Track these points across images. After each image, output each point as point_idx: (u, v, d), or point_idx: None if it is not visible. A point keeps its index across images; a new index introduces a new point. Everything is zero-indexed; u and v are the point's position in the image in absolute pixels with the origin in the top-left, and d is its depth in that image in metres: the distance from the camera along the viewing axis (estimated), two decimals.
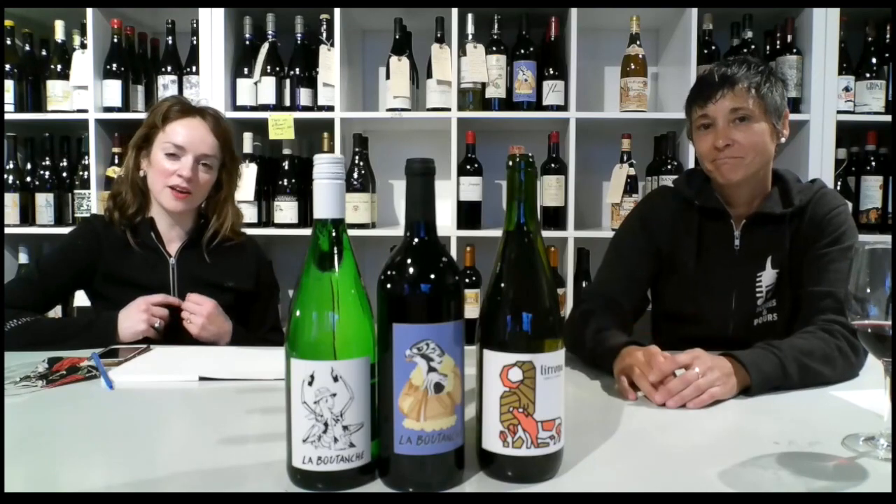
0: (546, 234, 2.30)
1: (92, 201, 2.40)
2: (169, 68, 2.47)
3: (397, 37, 2.41)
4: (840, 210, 1.39)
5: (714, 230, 1.44)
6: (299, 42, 2.44)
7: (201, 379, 1.17)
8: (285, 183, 2.41)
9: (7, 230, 2.46)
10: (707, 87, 1.37)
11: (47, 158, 2.57)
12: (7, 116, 2.43)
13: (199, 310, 1.48)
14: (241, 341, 1.53)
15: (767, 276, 1.41)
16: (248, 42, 2.45)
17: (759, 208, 1.41)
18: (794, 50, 2.34)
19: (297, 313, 0.74)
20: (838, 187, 2.38)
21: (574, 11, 2.29)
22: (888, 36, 2.37)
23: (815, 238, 1.37)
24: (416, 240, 0.74)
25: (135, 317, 1.44)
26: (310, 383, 0.71)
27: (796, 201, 1.39)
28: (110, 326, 1.44)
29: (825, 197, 1.40)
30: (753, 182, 1.40)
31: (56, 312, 2.41)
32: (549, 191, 2.37)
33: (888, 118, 2.31)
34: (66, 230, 2.46)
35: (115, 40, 2.42)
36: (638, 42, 2.36)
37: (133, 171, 1.61)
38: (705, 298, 1.45)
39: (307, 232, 2.36)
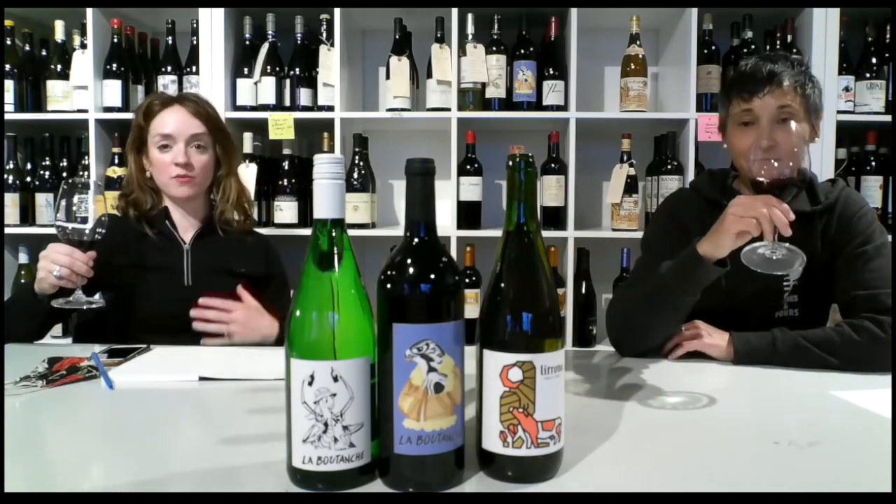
0: (546, 234, 2.30)
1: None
2: (169, 68, 2.47)
3: (397, 37, 2.41)
4: (867, 210, 1.42)
5: None
6: (299, 42, 2.44)
7: (201, 379, 1.17)
8: (285, 183, 2.41)
9: (7, 230, 2.46)
10: (753, 81, 1.33)
11: (47, 158, 2.56)
12: (7, 116, 2.43)
13: (229, 317, 1.49)
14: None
15: (794, 272, 1.41)
16: (248, 42, 2.45)
17: (791, 206, 1.40)
18: (794, 50, 2.33)
19: (297, 313, 0.74)
20: None
21: (574, 11, 2.29)
22: (888, 36, 2.37)
23: (845, 239, 1.38)
24: (416, 240, 0.74)
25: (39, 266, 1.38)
26: (310, 383, 0.71)
27: (822, 198, 1.41)
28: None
29: (851, 197, 1.42)
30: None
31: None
32: (549, 191, 2.37)
33: (888, 118, 2.31)
34: None
35: (115, 40, 2.42)
36: (638, 42, 2.35)
37: (138, 173, 1.66)
38: (730, 289, 1.44)
39: (307, 232, 2.36)
